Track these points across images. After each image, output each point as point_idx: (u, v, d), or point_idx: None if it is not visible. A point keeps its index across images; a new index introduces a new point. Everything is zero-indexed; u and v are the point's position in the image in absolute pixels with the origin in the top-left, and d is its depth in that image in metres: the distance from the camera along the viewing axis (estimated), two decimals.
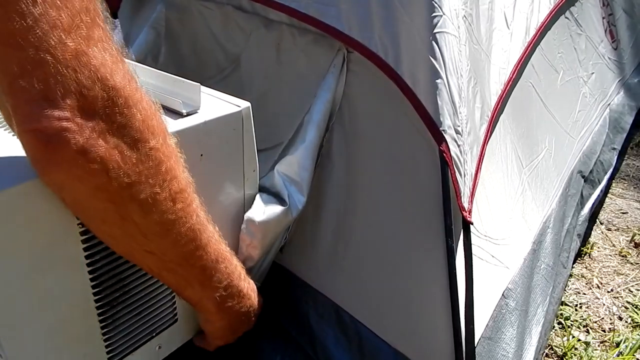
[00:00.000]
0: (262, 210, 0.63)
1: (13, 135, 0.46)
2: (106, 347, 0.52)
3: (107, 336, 0.51)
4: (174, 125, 0.50)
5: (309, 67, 0.71)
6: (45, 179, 0.37)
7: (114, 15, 0.94)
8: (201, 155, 0.54)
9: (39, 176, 0.37)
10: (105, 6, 0.95)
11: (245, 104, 0.57)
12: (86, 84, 0.35)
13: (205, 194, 0.57)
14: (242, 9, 0.79)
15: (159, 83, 0.57)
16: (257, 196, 0.64)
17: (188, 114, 0.53)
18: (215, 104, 0.56)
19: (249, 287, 0.57)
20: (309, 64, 0.71)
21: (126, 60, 0.55)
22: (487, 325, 0.67)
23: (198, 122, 0.52)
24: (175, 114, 0.53)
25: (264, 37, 0.77)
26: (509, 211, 0.77)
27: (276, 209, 0.64)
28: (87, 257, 0.46)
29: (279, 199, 0.66)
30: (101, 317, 0.50)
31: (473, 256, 0.64)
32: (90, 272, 0.47)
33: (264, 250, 0.66)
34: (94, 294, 0.48)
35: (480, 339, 0.66)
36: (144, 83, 0.56)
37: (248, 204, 0.64)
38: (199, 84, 0.54)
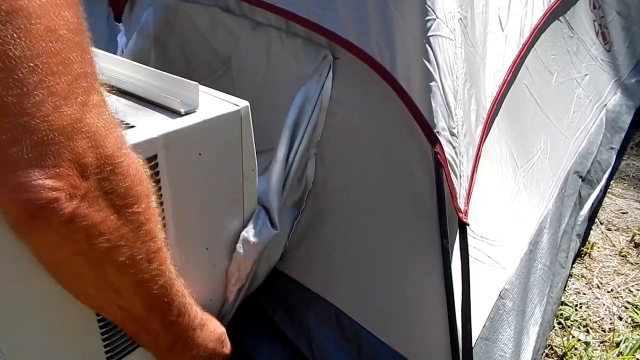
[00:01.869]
0: (257, 230, 0.64)
1: None
2: (105, 346, 0.52)
3: (105, 335, 0.51)
4: (172, 124, 0.50)
5: (296, 72, 0.72)
6: (21, 240, 0.36)
7: (119, 19, 0.95)
8: (199, 154, 0.54)
9: (15, 234, 0.36)
10: (110, 11, 0.97)
11: (244, 103, 0.57)
12: (79, 151, 0.34)
13: (203, 193, 0.57)
14: (229, 10, 0.80)
15: (157, 82, 0.57)
16: (255, 215, 0.65)
17: (186, 113, 0.53)
18: (213, 103, 0.56)
19: (206, 336, 0.57)
20: (297, 69, 0.72)
21: (125, 60, 0.52)
22: (485, 325, 0.68)
23: (196, 121, 0.52)
24: (174, 113, 0.53)
25: (253, 40, 0.77)
26: (504, 212, 0.78)
27: (270, 232, 0.65)
28: None
29: (270, 217, 0.67)
30: (100, 317, 0.50)
31: (469, 257, 0.64)
32: None
33: (253, 267, 0.67)
34: None
35: (477, 339, 0.66)
36: (142, 82, 0.56)
37: (247, 203, 0.64)
38: (197, 83, 0.54)
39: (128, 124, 0.50)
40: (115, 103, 0.54)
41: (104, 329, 0.51)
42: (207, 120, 0.53)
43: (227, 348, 0.62)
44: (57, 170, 0.33)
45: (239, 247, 0.63)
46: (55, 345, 0.47)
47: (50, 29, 0.32)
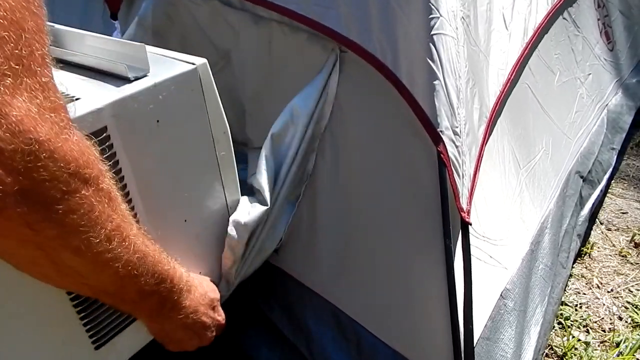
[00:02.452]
0: (247, 211, 0.63)
1: None
2: (87, 330, 0.49)
3: (85, 320, 0.49)
4: (119, 92, 0.47)
5: (301, 67, 0.71)
6: None
7: (115, 17, 0.94)
8: (157, 121, 0.50)
9: None
10: (106, 7, 0.96)
11: (201, 61, 0.53)
12: (4, 137, 0.32)
13: (169, 162, 0.53)
14: (230, 4, 0.79)
15: (103, 48, 0.53)
16: (244, 197, 0.64)
17: (136, 78, 0.48)
18: (166, 64, 0.52)
19: (195, 299, 0.55)
20: (303, 63, 0.71)
21: (70, 29, 0.49)
22: (486, 325, 0.68)
23: (147, 85, 0.48)
24: (122, 79, 0.48)
25: (254, 34, 0.77)
26: (506, 212, 0.77)
27: (259, 208, 0.64)
28: None
29: (260, 197, 0.66)
30: (72, 296, 0.47)
31: (471, 256, 0.64)
32: None
33: (247, 248, 0.66)
34: None
35: (478, 339, 0.66)
36: (88, 51, 0.52)
37: (224, 170, 0.60)
38: (143, 44, 0.50)
39: (73, 96, 0.46)
40: (61, 77, 0.51)
41: (83, 313, 0.49)
42: (159, 83, 0.49)
43: (221, 316, 0.60)
44: None
45: (231, 230, 0.62)
46: (31, 331, 0.45)
47: None
